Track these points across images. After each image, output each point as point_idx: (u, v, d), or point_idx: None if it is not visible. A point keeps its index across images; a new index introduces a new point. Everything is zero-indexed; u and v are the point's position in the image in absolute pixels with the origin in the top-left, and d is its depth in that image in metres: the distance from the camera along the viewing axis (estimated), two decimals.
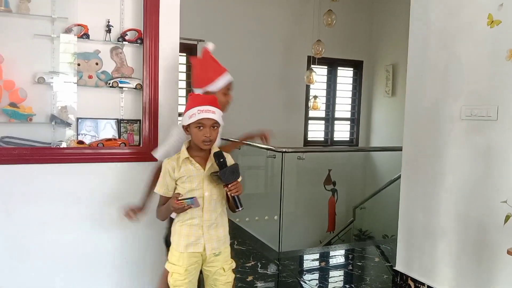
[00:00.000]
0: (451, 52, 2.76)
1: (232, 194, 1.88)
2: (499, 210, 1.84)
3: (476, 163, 2.49)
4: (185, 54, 5.58)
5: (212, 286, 2.06)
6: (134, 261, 2.57)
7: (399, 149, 3.24)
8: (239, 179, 1.93)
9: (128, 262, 2.56)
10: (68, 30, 2.42)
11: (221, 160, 1.89)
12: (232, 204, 1.94)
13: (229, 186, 1.87)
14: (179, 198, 1.85)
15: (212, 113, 1.90)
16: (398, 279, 3.17)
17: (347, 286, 3.40)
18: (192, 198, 1.83)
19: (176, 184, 1.97)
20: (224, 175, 1.86)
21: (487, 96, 2.52)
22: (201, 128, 1.89)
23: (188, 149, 1.98)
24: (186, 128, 1.95)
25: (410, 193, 3.11)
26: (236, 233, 4.52)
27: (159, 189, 2.00)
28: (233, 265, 2.10)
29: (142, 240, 2.58)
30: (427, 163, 2.92)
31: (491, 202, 2.37)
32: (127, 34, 2.49)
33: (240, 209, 1.90)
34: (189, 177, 1.94)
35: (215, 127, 1.93)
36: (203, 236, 1.97)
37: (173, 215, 2.04)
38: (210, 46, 2.19)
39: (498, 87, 2.46)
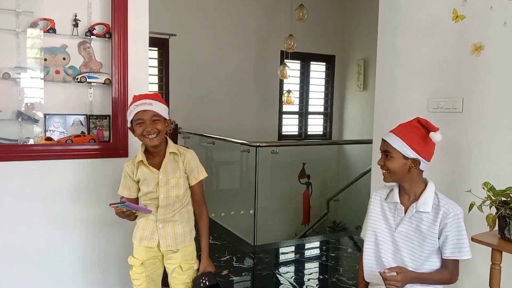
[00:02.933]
0: (419, 47, 2.82)
1: None
2: (464, 199, 1.90)
3: (443, 154, 2.56)
4: (156, 49, 5.52)
5: (172, 284, 2.04)
6: (104, 259, 2.54)
7: (371, 141, 3.30)
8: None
9: (99, 260, 2.53)
10: (33, 25, 2.36)
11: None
12: None
13: None
14: (110, 204, 1.82)
15: (148, 105, 1.83)
16: None
17: (321, 277, 3.45)
18: (123, 202, 1.81)
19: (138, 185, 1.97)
20: None
21: (452, 89, 2.60)
22: (142, 123, 1.84)
23: (145, 151, 1.95)
24: (132, 129, 1.91)
25: (380, 185, 3.17)
26: (211, 228, 4.50)
27: (122, 191, 2.00)
28: (195, 265, 2.04)
29: (114, 237, 2.54)
30: None
31: (457, 191, 2.43)
32: (95, 28, 2.45)
33: None
34: (144, 180, 1.93)
35: (156, 120, 1.85)
36: (158, 231, 1.95)
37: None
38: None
39: (463, 80, 2.53)
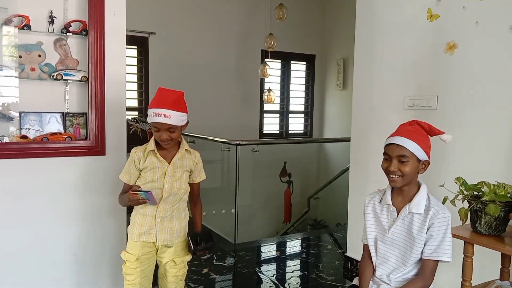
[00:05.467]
0: (395, 46, 2.87)
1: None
2: (438, 194, 1.95)
3: None
4: (136, 47, 5.48)
5: (163, 276, 2.08)
6: (84, 256, 2.52)
7: (350, 140, 3.35)
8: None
9: (78, 257, 2.50)
10: (8, 21, 2.31)
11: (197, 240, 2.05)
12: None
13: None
14: (134, 190, 1.88)
15: (166, 117, 1.88)
16: (349, 265, 3.28)
17: (301, 273, 3.48)
18: (147, 191, 1.86)
19: (140, 174, 2.01)
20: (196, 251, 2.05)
21: (427, 87, 2.65)
22: (158, 130, 1.92)
23: (156, 142, 2.00)
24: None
25: (358, 182, 3.22)
26: (192, 227, 4.51)
27: (123, 176, 2.04)
28: (187, 258, 2.12)
29: (90, 234, 2.52)
30: (373, 152, 3.03)
31: (432, 186, 2.47)
32: (71, 25, 2.42)
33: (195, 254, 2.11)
34: (152, 169, 1.98)
35: (173, 131, 1.93)
36: (156, 226, 2.00)
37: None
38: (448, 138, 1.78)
39: (437, 78, 2.59)
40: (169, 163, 1.99)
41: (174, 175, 2.00)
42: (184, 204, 2.10)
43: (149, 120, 1.93)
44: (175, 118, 1.90)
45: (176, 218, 2.05)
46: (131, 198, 1.90)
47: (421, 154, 1.68)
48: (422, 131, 1.74)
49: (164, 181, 1.98)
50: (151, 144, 2.00)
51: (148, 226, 2.00)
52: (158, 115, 1.88)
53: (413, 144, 1.67)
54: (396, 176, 1.69)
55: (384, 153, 1.74)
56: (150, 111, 1.91)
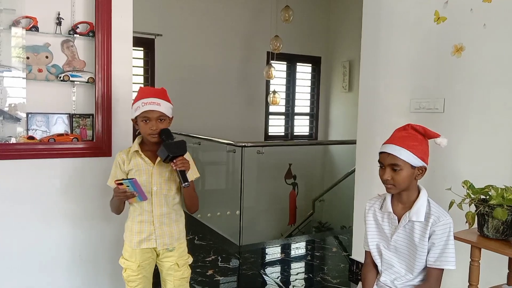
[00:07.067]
0: (401, 48, 2.86)
1: (178, 169, 1.82)
2: (445, 197, 1.94)
3: None
4: (142, 49, 5.50)
5: (167, 281, 2.04)
6: (89, 258, 2.52)
7: (355, 142, 3.34)
8: (185, 155, 1.88)
9: (83, 259, 2.51)
10: (16, 23, 2.33)
11: (165, 136, 1.87)
12: (179, 179, 1.86)
13: (175, 160, 1.82)
14: (117, 180, 1.82)
15: (156, 105, 1.86)
16: (354, 267, 3.26)
17: (306, 276, 3.47)
18: (131, 179, 1.80)
19: (127, 177, 1.96)
20: (169, 147, 1.82)
21: (434, 90, 2.64)
22: (147, 121, 1.87)
23: (141, 143, 1.97)
24: (135, 121, 1.94)
25: (363, 184, 3.21)
26: (197, 229, 4.52)
27: (110, 182, 1.99)
28: (190, 260, 2.09)
29: (96, 236, 2.53)
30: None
31: (438, 190, 2.47)
32: (78, 27, 2.43)
33: (184, 184, 1.83)
34: (137, 170, 1.93)
35: (162, 120, 1.89)
36: (155, 231, 1.96)
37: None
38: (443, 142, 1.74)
39: (444, 80, 2.58)
40: (154, 164, 1.93)
41: (161, 176, 1.94)
42: (180, 206, 2.05)
43: (136, 113, 1.88)
44: (165, 106, 1.89)
45: (174, 221, 2.00)
46: (117, 191, 1.83)
47: (415, 161, 1.65)
48: (418, 136, 1.70)
49: (152, 183, 1.92)
50: (134, 145, 1.95)
51: (147, 233, 1.96)
52: (148, 104, 1.85)
53: (405, 152, 1.64)
54: (390, 185, 1.68)
55: (379, 161, 1.72)
56: (138, 103, 1.87)
